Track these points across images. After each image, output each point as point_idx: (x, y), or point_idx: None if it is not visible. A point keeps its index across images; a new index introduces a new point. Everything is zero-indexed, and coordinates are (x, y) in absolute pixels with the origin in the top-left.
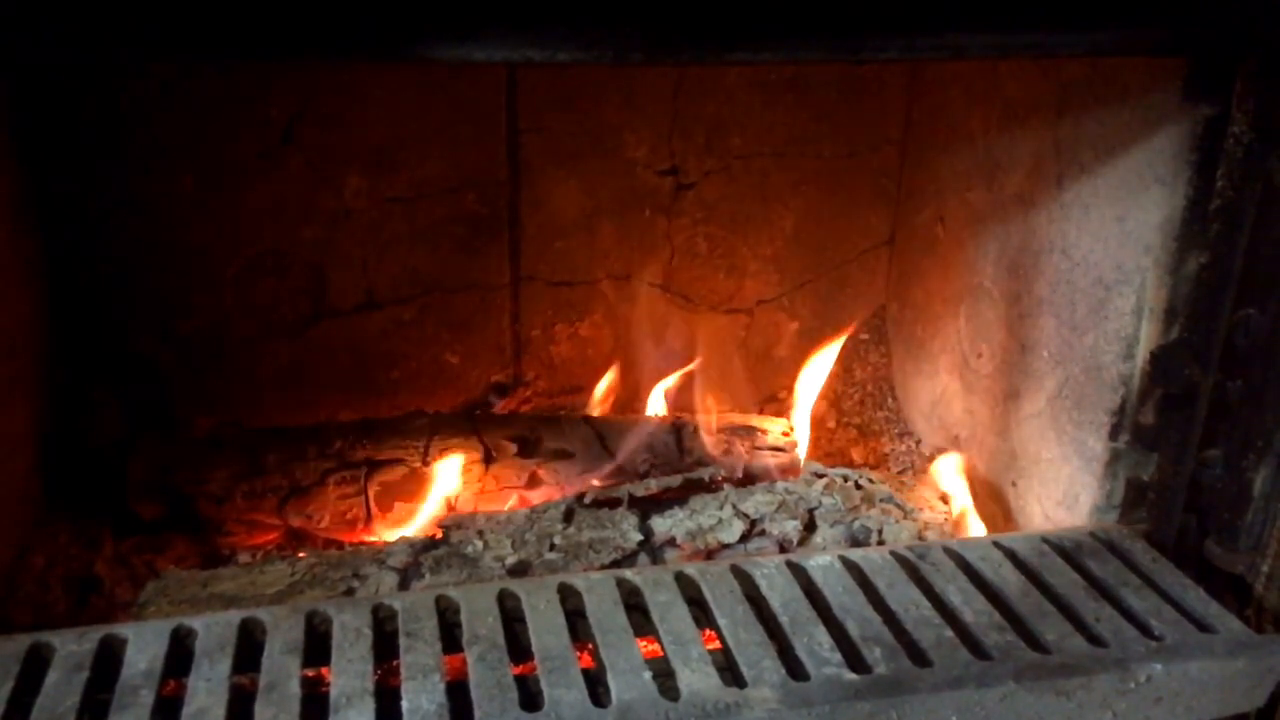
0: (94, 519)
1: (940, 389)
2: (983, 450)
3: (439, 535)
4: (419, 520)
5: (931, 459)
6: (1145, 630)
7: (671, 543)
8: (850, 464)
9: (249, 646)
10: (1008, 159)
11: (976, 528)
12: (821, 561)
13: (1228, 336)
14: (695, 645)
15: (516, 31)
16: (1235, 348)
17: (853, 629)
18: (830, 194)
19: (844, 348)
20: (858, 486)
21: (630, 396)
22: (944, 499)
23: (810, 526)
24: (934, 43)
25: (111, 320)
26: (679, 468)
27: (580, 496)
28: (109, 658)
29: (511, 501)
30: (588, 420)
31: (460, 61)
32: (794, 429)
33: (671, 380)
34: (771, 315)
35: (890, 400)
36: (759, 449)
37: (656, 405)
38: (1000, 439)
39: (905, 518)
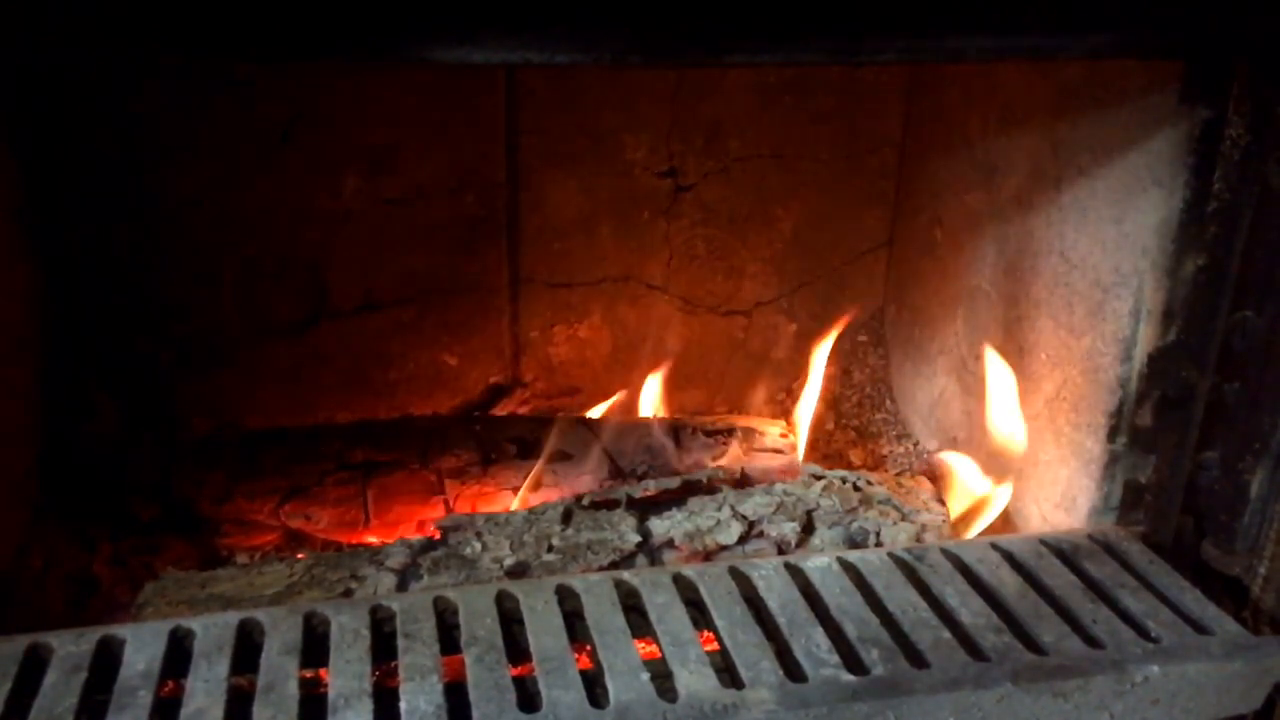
0: (92, 520)
1: (938, 391)
2: (981, 452)
3: (437, 536)
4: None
5: (930, 460)
6: (1142, 632)
7: (670, 544)
8: (848, 466)
9: (247, 647)
10: (1005, 161)
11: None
12: (819, 563)
13: (1225, 339)
14: (693, 646)
15: (515, 33)
16: (1232, 350)
17: (850, 630)
18: (828, 196)
19: (843, 350)
20: (856, 488)
21: (627, 399)
22: (941, 500)
23: (808, 528)
24: (932, 45)
25: (110, 321)
26: (677, 469)
27: (579, 498)
28: (107, 658)
29: (512, 503)
30: (586, 422)
31: (459, 63)
32: (792, 430)
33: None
34: (770, 317)
35: (888, 402)
36: (757, 450)
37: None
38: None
39: (903, 519)
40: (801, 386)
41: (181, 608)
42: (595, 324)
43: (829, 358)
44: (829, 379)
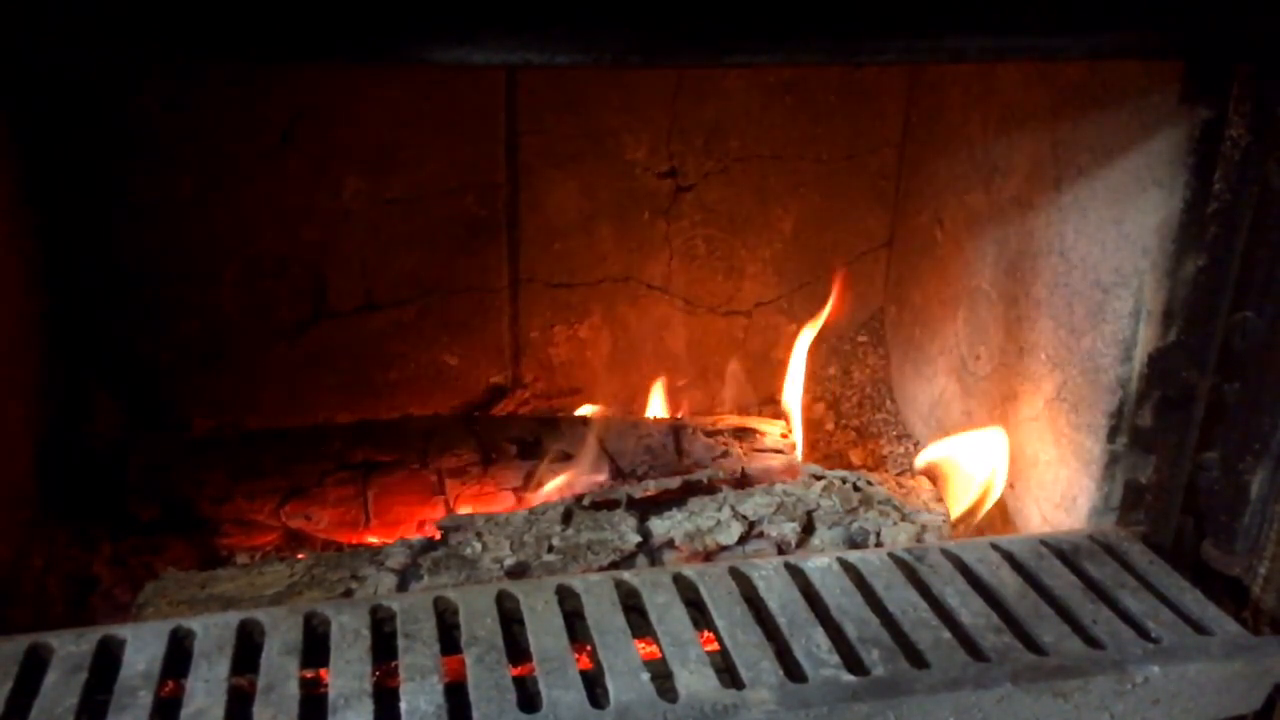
0: (92, 520)
1: (938, 391)
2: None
3: (437, 536)
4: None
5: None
6: (1142, 632)
7: (670, 544)
8: (849, 466)
9: (247, 647)
10: (1006, 162)
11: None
12: (820, 563)
13: (1225, 339)
14: (693, 647)
15: (516, 33)
16: (1232, 350)
17: (850, 630)
18: (829, 196)
19: (843, 350)
20: (856, 489)
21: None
22: (941, 500)
23: (809, 528)
24: (932, 45)
25: (110, 321)
26: (677, 469)
27: (579, 498)
28: (107, 659)
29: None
30: (586, 422)
31: (459, 64)
32: (791, 430)
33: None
34: (770, 317)
35: (889, 402)
36: (757, 451)
37: (655, 407)
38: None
39: (903, 520)
40: (796, 383)
41: (182, 608)
42: (595, 324)
43: (829, 359)
44: (829, 379)
